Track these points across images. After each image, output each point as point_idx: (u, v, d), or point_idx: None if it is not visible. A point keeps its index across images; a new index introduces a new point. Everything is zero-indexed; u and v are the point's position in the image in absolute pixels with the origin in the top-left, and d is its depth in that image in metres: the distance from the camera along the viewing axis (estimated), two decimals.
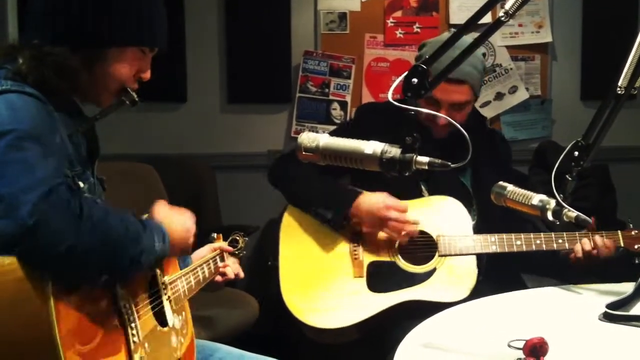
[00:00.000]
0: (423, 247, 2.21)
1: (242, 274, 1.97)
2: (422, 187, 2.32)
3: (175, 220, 1.54)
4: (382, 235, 2.22)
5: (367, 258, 2.21)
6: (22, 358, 1.21)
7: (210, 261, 1.86)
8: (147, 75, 1.59)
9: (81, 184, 1.48)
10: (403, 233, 2.17)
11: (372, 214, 2.16)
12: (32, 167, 1.26)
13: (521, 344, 1.40)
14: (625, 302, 1.74)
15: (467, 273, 2.15)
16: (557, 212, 1.42)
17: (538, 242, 2.11)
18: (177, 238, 1.52)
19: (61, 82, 1.43)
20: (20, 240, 1.21)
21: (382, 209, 2.15)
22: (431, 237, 2.20)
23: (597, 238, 2.06)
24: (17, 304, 1.21)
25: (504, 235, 2.13)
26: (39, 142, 1.30)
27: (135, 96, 1.56)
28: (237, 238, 2.01)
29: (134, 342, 1.41)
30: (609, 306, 1.69)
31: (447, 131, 2.21)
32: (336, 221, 2.21)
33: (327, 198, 2.23)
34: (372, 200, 2.17)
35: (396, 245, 2.21)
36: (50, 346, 1.19)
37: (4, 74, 1.40)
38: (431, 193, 2.31)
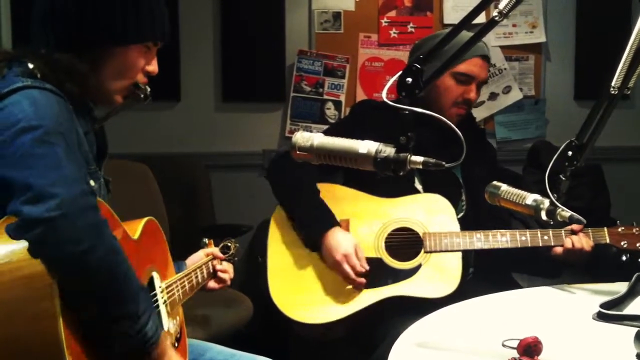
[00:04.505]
0: (409, 243, 2.22)
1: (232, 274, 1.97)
2: (416, 180, 2.32)
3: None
4: (368, 231, 2.23)
5: None
6: (28, 353, 1.23)
7: (204, 266, 1.87)
8: (155, 68, 1.58)
9: (92, 183, 1.48)
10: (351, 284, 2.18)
11: (331, 256, 2.16)
12: (60, 163, 1.28)
13: (515, 344, 1.40)
14: (618, 302, 1.75)
15: (452, 269, 2.16)
16: (551, 212, 1.42)
17: (523, 238, 2.11)
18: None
19: (74, 87, 1.43)
20: (39, 226, 1.22)
21: (341, 258, 2.14)
22: (417, 234, 2.21)
23: (574, 237, 2.07)
24: (24, 300, 1.22)
25: (490, 232, 2.14)
26: (64, 139, 1.32)
27: (148, 90, 1.57)
28: (229, 244, 2.00)
29: None
30: (602, 306, 1.69)
31: (466, 111, 2.34)
32: (305, 241, 2.23)
33: (306, 217, 2.24)
34: (340, 242, 2.16)
35: (382, 241, 2.22)
36: (55, 342, 1.21)
37: (19, 71, 1.40)
38: (425, 186, 2.31)
